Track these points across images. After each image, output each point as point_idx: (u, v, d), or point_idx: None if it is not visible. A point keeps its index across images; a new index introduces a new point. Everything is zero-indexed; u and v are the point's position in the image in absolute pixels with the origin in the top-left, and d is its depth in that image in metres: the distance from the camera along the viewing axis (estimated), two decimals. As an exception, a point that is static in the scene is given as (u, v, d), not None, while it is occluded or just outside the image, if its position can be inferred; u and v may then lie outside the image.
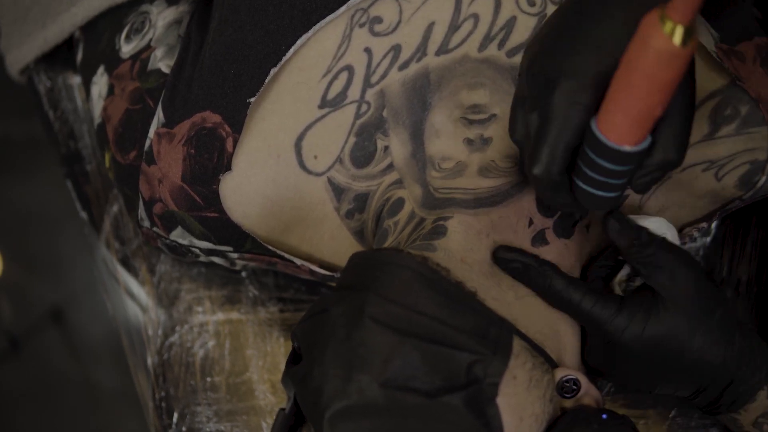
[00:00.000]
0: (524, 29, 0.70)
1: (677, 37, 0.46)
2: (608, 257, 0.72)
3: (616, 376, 0.69)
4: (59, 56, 0.92)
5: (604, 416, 0.63)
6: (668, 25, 0.46)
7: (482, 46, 0.70)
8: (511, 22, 0.70)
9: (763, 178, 0.71)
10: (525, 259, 0.66)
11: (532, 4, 0.70)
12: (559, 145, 0.56)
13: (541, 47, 0.58)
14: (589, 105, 0.55)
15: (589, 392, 0.65)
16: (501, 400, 0.59)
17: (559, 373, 0.64)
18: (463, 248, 0.66)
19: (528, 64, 0.59)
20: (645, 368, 0.67)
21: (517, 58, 0.70)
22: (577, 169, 0.58)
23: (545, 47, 0.58)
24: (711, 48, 0.68)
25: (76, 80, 0.98)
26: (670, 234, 0.68)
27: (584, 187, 0.58)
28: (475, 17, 0.70)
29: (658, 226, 0.68)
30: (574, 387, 0.64)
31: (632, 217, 0.69)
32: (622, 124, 0.52)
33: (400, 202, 0.72)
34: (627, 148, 0.54)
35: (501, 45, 0.70)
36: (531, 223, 0.69)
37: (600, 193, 0.58)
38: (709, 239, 0.87)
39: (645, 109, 0.51)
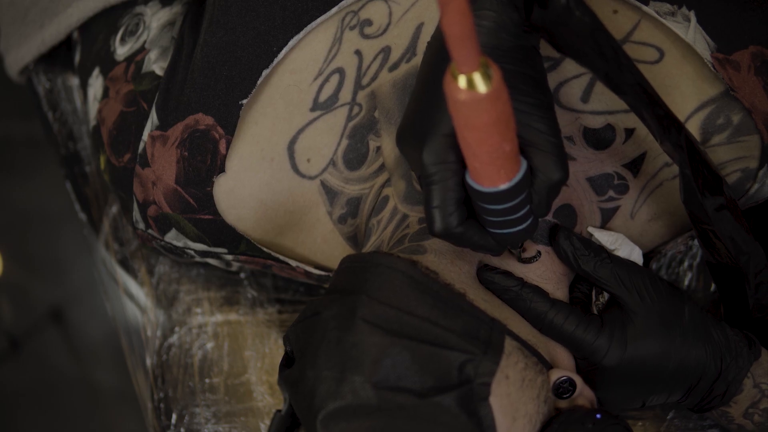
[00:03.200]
0: None
1: (476, 85, 0.46)
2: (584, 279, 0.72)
3: (607, 399, 0.69)
4: (58, 57, 0.92)
5: (598, 416, 0.62)
6: (461, 79, 0.46)
7: None
8: None
9: (755, 186, 0.71)
10: (503, 282, 0.66)
11: None
12: (445, 204, 0.58)
13: (401, 129, 0.62)
14: (456, 161, 0.57)
15: (583, 393, 0.65)
16: (493, 400, 0.59)
17: (555, 374, 0.64)
18: (454, 249, 0.66)
19: (398, 144, 0.63)
20: (633, 386, 0.68)
21: None
22: (478, 217, 0.59)
23: (404, 127, 0.62)
24: (706, 58, 0.68)
25: (75, 81, 0.98)
26: (624, 245, 0.70)
27: (491, 230, 0.60)
28: None
29: (613, 239, 0.70)
30: (570, 388, 0.64)
31: (590, 229, 0.71)
32: (483, 170, 0.54)
33: (384, 200, 0.73)
34: (503, 186, 0.55)
35: None
36: None
37: (507, 230, 0.59)
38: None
39: (492, 151, 0.52)
